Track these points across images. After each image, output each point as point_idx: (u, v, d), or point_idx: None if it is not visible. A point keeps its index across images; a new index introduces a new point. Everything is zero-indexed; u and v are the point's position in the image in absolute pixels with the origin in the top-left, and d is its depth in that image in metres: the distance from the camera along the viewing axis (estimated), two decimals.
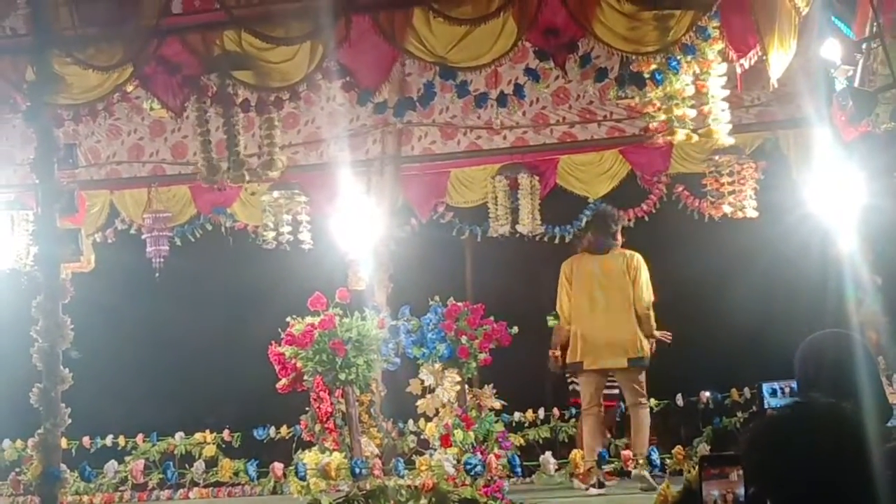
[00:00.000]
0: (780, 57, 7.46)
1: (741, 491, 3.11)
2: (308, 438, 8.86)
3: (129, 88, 8.55)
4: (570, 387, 10.59)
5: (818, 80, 7.81)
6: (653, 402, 10.54)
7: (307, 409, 8.88)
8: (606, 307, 9.74)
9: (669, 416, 11.63)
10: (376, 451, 8.71)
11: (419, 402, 8.70)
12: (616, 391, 10.16)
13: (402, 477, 7.82)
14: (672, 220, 11.24)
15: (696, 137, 8.60)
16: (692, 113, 8.49)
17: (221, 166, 8.77)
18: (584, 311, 9.80)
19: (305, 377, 8.56)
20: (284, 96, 8.51)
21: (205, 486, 10.86)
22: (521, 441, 10.73)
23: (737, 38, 7.63)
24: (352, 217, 11.02)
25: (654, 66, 8.03)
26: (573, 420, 11.46)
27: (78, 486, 10.19)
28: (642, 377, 9.78)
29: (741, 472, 3.10)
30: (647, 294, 9.79)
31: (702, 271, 12.82)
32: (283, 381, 8.74)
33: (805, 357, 4.72)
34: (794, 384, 4.88)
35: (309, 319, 8.46)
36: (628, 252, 9.92)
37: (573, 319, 9.84)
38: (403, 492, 7.71)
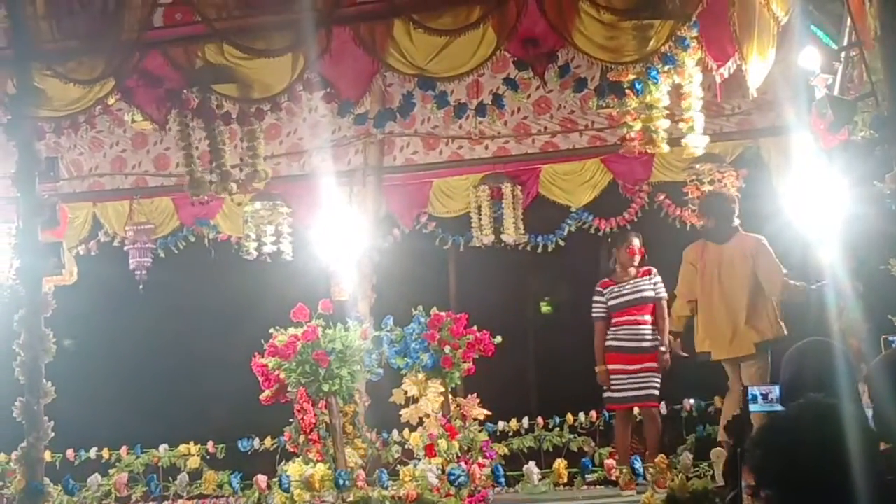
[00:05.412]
0: (759, 66, 7.51)
1: None
2: (292, 450, 8.84)
3: (111, 101, 8.54)
4: (605, 394, 10.46)
5: (797, 88, 7.85)
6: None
7: (291, 420, 8.85)
8: (730, 296, 9.52)
9: None
10: (360, 461, 8.70)
11: (403, 412, 8.69)
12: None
13: (386, 488, 7.80)
14: (654, 228, 11.22)
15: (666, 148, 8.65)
16: (667, 123, 8.53)
17: (207, 179, 8.78)
18: (709, 300, 9.58)
19: (289, 388, 8.54)
20: (266, 108, 8.53)
21: (189, 499, 10.83)
22: (506, 451, 10.68)
23: (716, 48, 7.69)
24: (334, 227, 11.02)
25: (633, 76, 8.07)
26: (557, 429, 11.48)
27: (61, 499, 10.08)
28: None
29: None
30: (777, 277, 9.42)
31: None
32: (267, 392, 8.72)
33: (788, 364, 5.00)
34: (775, 389, 5.04)
35: (292, 330, 8.45)
36: (753, 236, 9.65)
37: (700, 309, 9.64)
38: (387, 502, 7.71)
